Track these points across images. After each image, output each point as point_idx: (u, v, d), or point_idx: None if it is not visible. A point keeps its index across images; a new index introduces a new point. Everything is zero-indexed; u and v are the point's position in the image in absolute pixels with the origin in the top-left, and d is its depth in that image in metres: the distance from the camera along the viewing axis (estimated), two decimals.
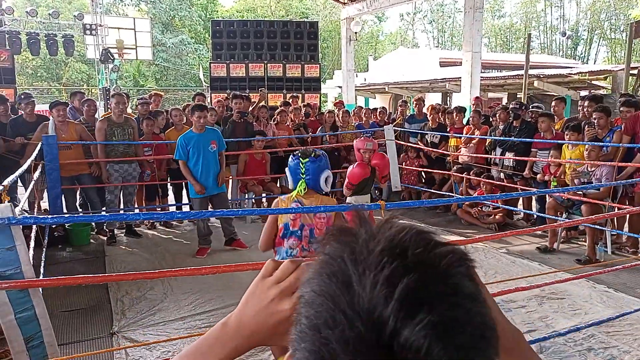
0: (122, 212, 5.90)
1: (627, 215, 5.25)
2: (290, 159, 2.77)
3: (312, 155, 2.71)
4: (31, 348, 1.88)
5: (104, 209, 5.82)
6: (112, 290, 4.22)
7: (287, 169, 2.79)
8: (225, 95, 8.39)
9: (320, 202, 2.69)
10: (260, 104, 7.47)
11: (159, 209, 6.64)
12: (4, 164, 5.28)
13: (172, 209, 7.02)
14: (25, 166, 3.72)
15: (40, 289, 2.00)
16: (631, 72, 10.03)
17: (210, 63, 11.98)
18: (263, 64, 11.70)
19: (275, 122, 7.46)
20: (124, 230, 6.00)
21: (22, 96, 6.03)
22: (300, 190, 2.70)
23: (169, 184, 6.82)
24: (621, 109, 5.40)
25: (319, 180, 2.71)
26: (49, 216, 2.52)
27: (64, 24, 13.53)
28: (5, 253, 1.75)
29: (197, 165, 4.98)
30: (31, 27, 12.82)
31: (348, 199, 4.49)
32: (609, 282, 4.39)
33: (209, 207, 5.25)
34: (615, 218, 5.27)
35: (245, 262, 2.76)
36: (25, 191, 4.92)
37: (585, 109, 5.70)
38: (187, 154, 4.96)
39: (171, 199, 7.02)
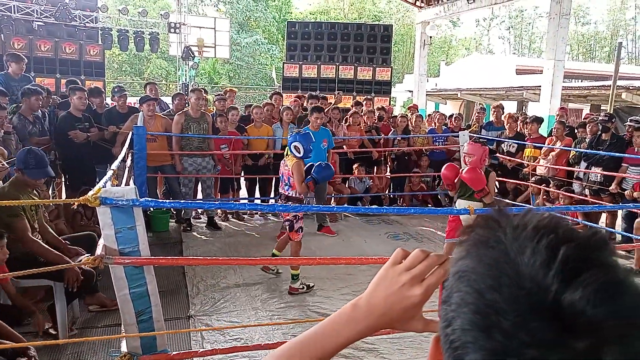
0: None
1: None
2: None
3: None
4: (140, 322, 2.03)
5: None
6: (189, 276, 4.42)
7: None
8: (300, 94, 8.55)
9: (290, 160, 4.11)
10: (334, 106, 7.55)
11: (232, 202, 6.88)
12: (99, 152, 5.67)
13: (244, 202, 7.25)
14: (122, 153, 3.99)
15: (152, 268, 2.14)
16: None
17: (283, 63, 12.25)
18: (335, 66, 11.81)
19: (348, 123, 7.50)
20: (205, 222, 6.27)
21: (116, 89, 6.44)
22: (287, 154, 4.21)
23: (242, 178, 7.05)
24: None
25: (291, 148, 4.10)
26: (167, 201, 2.71)
27: (150, 22, 14.32)
28: (127, 232, 1.91)
29: (311, 159, 5.40)
30: (121, 24, 13.69)
31: (457, 203, 4.43)
32: None
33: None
34: None
35: (313, 257, 2.82)
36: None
37: None
38: None
39: (243, 193, 7.25)
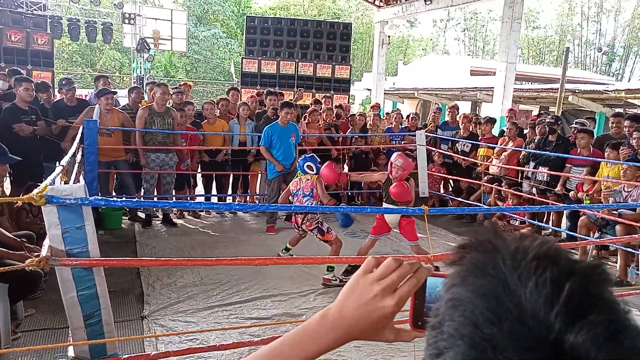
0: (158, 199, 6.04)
1: None
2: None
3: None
4: (89, 325, 1.95)
5: (140, 194, 6.00)
6: (144, 275, 4.31)
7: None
8: (258, 90, 8.48)
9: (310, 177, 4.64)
10: (294, 102, 7.54)
11: (188, 199, 6.75)
12: (47, 147, 5.43)
13: (200, 199, 7.14)
14: (73, 148, 3.83)
15: (102, 269, 2.06)
16: None
17: (242, 58, 12.10)
18: (294, 62, 11.77)
19: (307, 121, 7.50)
20: (160, 219, 6.13)
21: (64, 81, 6.19)
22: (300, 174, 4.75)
23: (199, 174, 6.93)
24: None
25: (304, 169, 4.67)
26: (117, 199, 2.61)
27: (103, 11, 13.81)
28: (75, 232, 1.82)
29: (279, 152, 5.90)
30: (72, 13, 13.14)
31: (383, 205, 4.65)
32: (639, 305, 4.30)
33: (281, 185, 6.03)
34: None
35: (275, 257, 2.80)
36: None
37: (626, 129, 5.60)
38: (270, 142, 5.86)
39: (200, 189, 7.13)
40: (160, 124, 5.79)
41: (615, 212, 5.01)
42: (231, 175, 6.98)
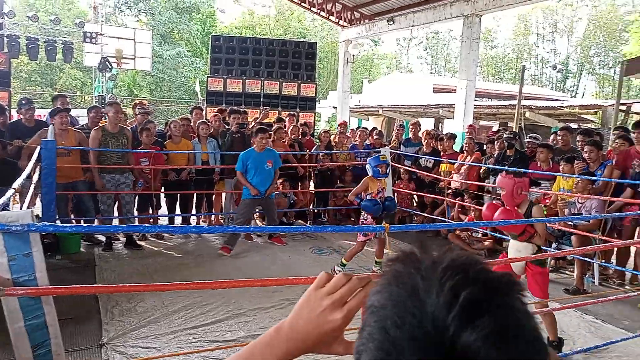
0: (119, 221, 5.88)
1: (615, 248, 5.35)
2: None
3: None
4: (38, 356, 1.86)
5: (98, 215, 5.83)
6: (102, 300, 4.17)
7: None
8: (221, 108, 8.43)
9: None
10: (257, 121, 7.55)
11: (151, 220, 6.61)
12: (2, 168, 5.24)
13: (165, 220, 7.00)
14: (28, 169, 3.70)
15: (51, 297, 1.98)
16: (620, 108, 10.28)
17: (207, 77, 12.05)
18: (260, 81, 11.79)
19: (272, 139, 7.51)
20: (123, 241, 5.95)
21: (23, 101, 5.99)
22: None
23: (162, 194, 6.81)
24: (616, 141, 5.57)
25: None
26: (67, 225, 2.52)
27: (64, 30, 13.55)
28: (22, 259, 1.75)
29: (254, 179, 5.81)
30: (31, 32, 12.84)
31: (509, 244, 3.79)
32: (596, 312, 4.44)
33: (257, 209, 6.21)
34: (603, 251, 5.35)
35: (242, 279, 2.76)
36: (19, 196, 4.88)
37: (579, 143, 5.85)
38: (245, 167, 5.78)
39: (164, 210, 7.00)
40: (114, 145, 5.68)
41: (570, 223, 5.18)
42: (194, 195, 6.89)
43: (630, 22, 26.74)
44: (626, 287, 5.24)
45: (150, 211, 6.53)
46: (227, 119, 7.38)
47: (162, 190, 6.69)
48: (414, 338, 0.41)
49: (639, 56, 10.80)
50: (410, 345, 0.41)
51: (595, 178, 5.26)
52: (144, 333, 3.68)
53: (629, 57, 11.57)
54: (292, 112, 10.14)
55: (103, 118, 6.45)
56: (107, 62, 13.61)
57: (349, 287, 0.63)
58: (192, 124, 7.08)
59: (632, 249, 5.33)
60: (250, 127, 7.63)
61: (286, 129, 7.70)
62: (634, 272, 5.12)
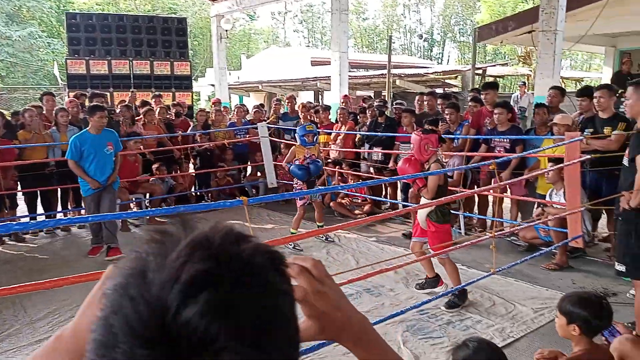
0: None
1: (476, 200, 5.91)
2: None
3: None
4: None
5: None
6: None
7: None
8: (78, 93, 7.70)
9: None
10: (124, 104, 7.05)
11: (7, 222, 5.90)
12: None
13: (25, 221, 6.30)
14: None
15: None
16: (476, 72, 11.26)
17: (66, 59, 10.95)
18: (128, 61, 10.99)
19: (143, 122, 7.07)
20: None
21: None
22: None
23: (19, 193, 6.11)
24: (469, 104, 6.08)
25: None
26: None
27: None
28: None
29: (91, 166, 4.94)
30: None
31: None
32: (463, 260, 4.89)
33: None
34: (466, 203, 5.88)
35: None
36: None
37: (439, 106, 6.29)
38: (80, 154, 4.88)
39: (24, 210, 6.28)
40: None
41: None
42: (59, 190, 6.28)
43: None
44: (487, 233, 5.83)
45: (6, 211, 5.83)
46: (86, 103, 6.78)
47: (19, 188, 6.00)
48: (127, 323, 0.37)
49: (488, 24, 11.87)
50: (124, 331, 0.37)
51: (454, 136, 5.71)
52: (2, 348, 3.30)
53: (481, 25, 12.67)
54: (156, 93, 9.53)
55: None
56: None
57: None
58: (44, 112, 6.39)
59: (490, 199, 5.92)
60: (117, 111, 7.11)
61: (156, 111, 7.27)
62: (493, 219, 5.70)
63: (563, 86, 8.46)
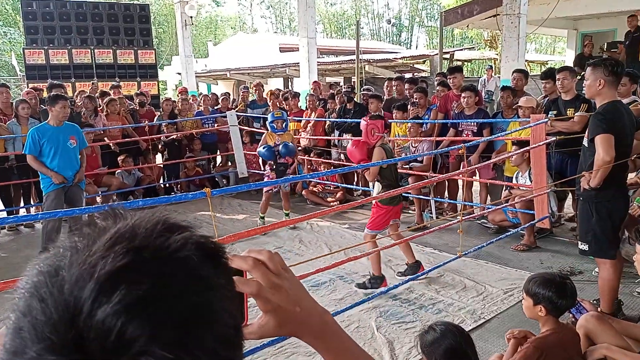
0: None
1: (447, 185, 5.96)
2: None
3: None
4: None
5: None
6: None
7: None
8: (35, 85, 7.42)
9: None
10: (86, 95, 6.81)
11: None
12: None
13: None
14: None
15: None
16: (444, 56, 11.33)
17: (23, 49, 10.51)
18: (89, 50, 10.62)
19: (106, 113, 6.85)
20: None
21: None
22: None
23: None
24: (437, 88, 6.10)
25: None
26: None
27: None
28: None
29: (54, 161, 4.59)
30: None
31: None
32: (434, 244, 4.95)
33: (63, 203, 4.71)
34: (437, 188, 5.93)
35: None
36: None
37: (407, 91, 6.29)
38: (40, 148, 4.55)
39: None
40: None
41: (406, 166, 5.62)
42: (20, 184, 6.06)
43: None
44: (457, 217, 5.90)
45: None
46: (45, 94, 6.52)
47: None
48: (35, 326, 0.34)
49: (454, 7, 11.93)
50: (32, 334, 0.33)
51: (422, 121, 5.74)
52: None
53: (447, 9, 12.74)
54: (114, 83, 9.26)
55: None
56: None
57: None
58: None
59: (460, 183, 5.99)
60: (77, 103, 6.87)
61: (119, 101, 7.06)
62: (463, 203, 5.77)
63: (528, 69, 8.61)
